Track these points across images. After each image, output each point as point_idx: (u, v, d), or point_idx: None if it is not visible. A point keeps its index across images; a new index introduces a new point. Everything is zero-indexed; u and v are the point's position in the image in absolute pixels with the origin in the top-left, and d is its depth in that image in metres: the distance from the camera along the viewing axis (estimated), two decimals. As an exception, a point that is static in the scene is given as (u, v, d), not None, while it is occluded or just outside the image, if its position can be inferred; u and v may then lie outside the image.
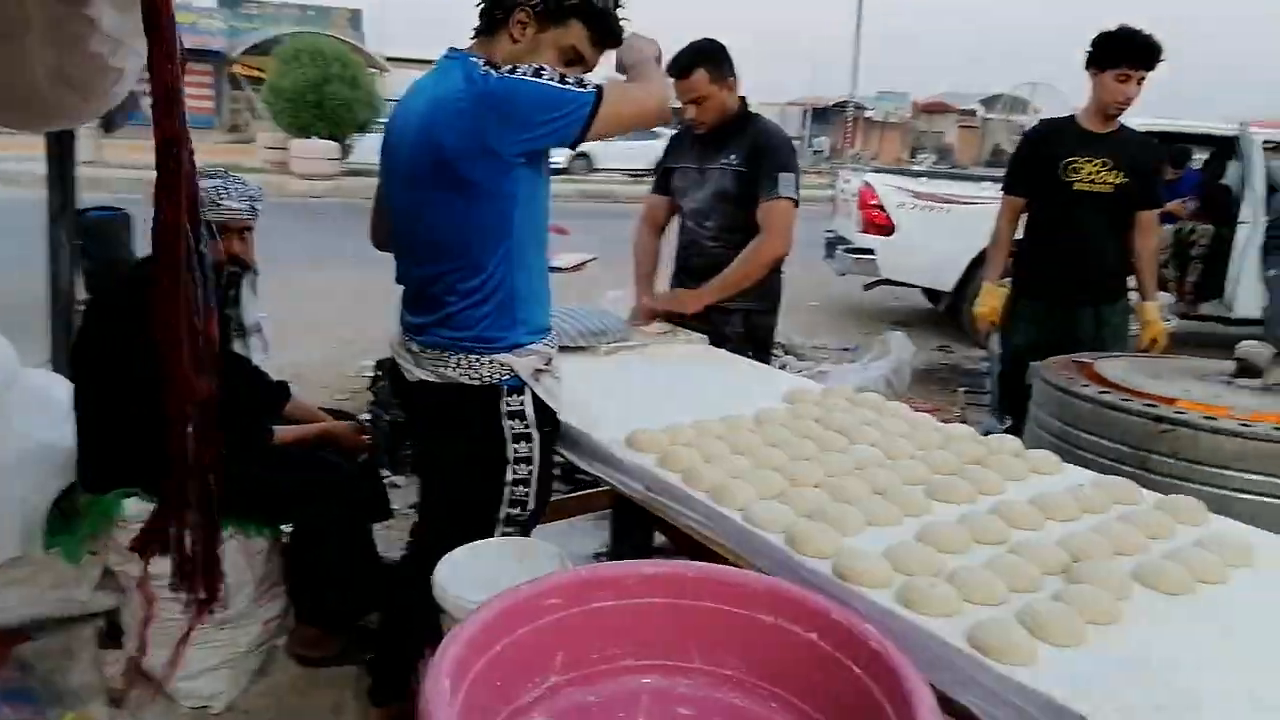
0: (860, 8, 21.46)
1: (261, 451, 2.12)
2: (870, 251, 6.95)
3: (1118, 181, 3.03)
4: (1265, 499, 1.93)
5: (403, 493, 3.42)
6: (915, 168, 7.87)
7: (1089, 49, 3.00)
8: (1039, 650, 1.10)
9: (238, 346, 2.40)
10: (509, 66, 1.55)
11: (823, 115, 40.20)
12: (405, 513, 3.23)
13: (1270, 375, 2.23)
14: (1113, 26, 2.99)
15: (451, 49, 1.68)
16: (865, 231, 6.94)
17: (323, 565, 2.19)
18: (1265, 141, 6.45)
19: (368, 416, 3.75)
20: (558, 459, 1.91)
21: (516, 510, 1.74)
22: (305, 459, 2.18)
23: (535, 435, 1.71)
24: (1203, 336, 7.41)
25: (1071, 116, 3.20)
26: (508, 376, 1.67)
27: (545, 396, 1.72)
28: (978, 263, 6.48)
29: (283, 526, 2.27)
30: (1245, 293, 6.42)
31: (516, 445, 1.70)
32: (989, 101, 35.38)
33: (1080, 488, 1.61)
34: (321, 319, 6.41)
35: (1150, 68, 2.96)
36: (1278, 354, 2.23)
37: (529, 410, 1.70)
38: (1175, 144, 6.90)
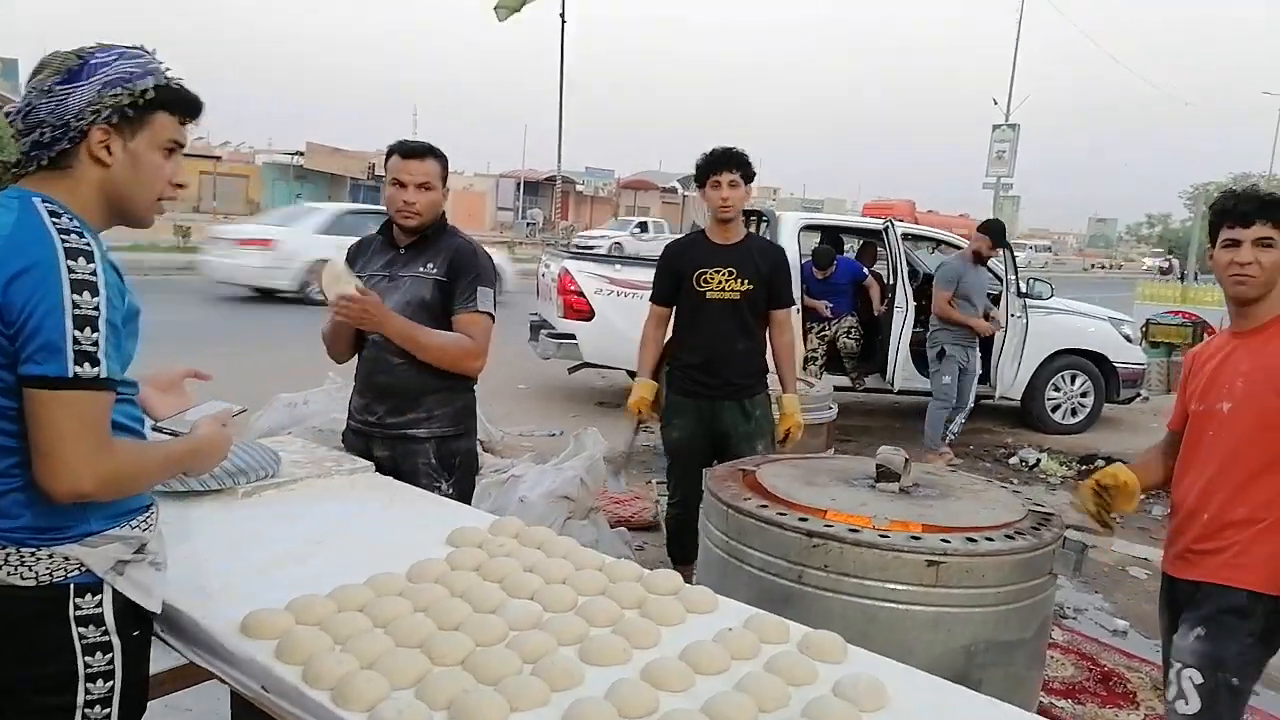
0: (562, 88, 22.37)
1: None
2: (572, 336, 7.06)
3: (744, 288, 3.38)
4: (905, 606, 2.04)
5: None
6: (611, 255, 8.17)
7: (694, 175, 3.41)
8: None
9: None
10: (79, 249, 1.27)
11: (534, 188, 41.30)
12: None
13: (905, 478, 2.42)
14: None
15: (14, 187, 1.35)
16: (566, 316, 7.05)
17: None
18: (904, 234, 7.38)
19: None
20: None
21: None
22: None
23: (116, 643, 1.39)
24: (868, 404, 8.26)
25: (702, 232, 3.55)
26: (76, 573, 1.34)
27: (134, 593, 1.40)
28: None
29: None
30: (902, 368, 7.23)
31: (90, 658, 1.36)
32: (686, 180, 38.40)
33: (729, 632, 1.59)
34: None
35: (739, 169, 3.33)
36: (908, 459, 2.42)
37: (108, 613, 1.37)
38: (820, 245, 7.70)
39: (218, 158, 42.49)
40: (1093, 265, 46.64)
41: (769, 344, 3.54)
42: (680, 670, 1.45)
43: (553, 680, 1.39)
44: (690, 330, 3.47)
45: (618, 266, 7.18)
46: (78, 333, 1.24)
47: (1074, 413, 7.69)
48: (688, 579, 2.00)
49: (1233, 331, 2.16)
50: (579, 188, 42.29)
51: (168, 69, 1.42)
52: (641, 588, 1.77)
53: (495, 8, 9.97)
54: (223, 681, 1.53)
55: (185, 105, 1.44)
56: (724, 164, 3.32)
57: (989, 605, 2.07)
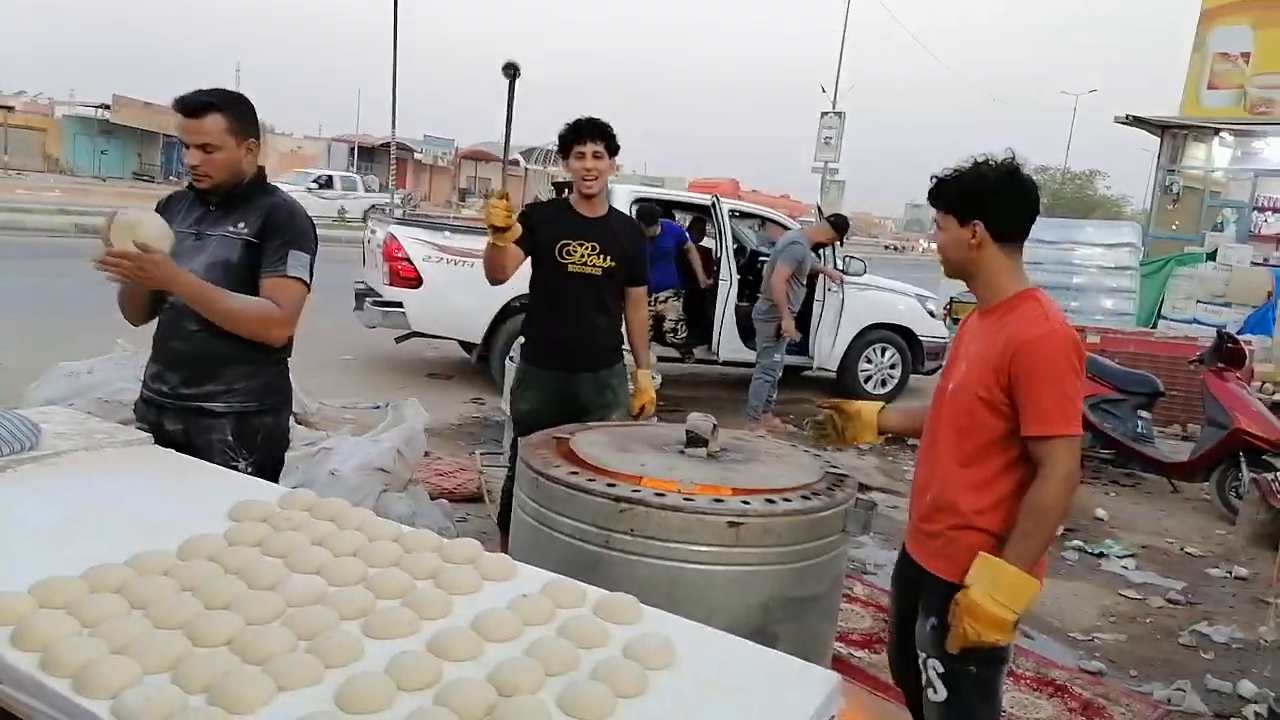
0: (396, 47, 21.42)
1: None
2: (399, 304, 6.83)
3: (605, 265, 3.30)
4: (708, 567, 2.08)
5: None
6: (440, 221, 7.90)
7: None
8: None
9: None
10: None
11: (370, 154, 39.63)
12: None
13: (713, 443, 2.47)
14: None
15: None
16: (393, 284, 6.81)
17: None
18: (731, 210, 7.57)
19: None
20: None
21: None
22: None
23: None
24: (699, 375, 8.46)
25: (567, 200, 3.40)
26: None
27: None
28: (503, 316, 6.71)
29: None
30: (726, 340, 7.43)
31: None
32: (527, 153, 37.87)
33: (524, 599, 1.56)
34: None
35: (599, 140, 3.22)
36: (716, 425, 2.47)
37: None
38: (645, 202, 7.63)
39: (10, 108, 38.28)
40: (887, 247, 49.84)
41: (624, 320, 3.48)
42: (469, 639, 1.42)
43: (328, 656, 1.32)
44: (549, 302, 3.34)
45: (447, 233, 6.98)
46: None
47: (884, 383, 8.17)
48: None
49: (979, 309, 2.14)
50: (417, 156, 40.88)
51: None
52: (438, 558, 1.72)
53: None
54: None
55: None
56: (587, 134, 3.21)
57: (785, 563, 2.14)
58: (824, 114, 25.22)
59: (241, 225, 2.40)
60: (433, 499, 4.02)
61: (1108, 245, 11.37)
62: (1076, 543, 4.96)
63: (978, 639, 1.85)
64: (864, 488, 3.07)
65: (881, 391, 8.11)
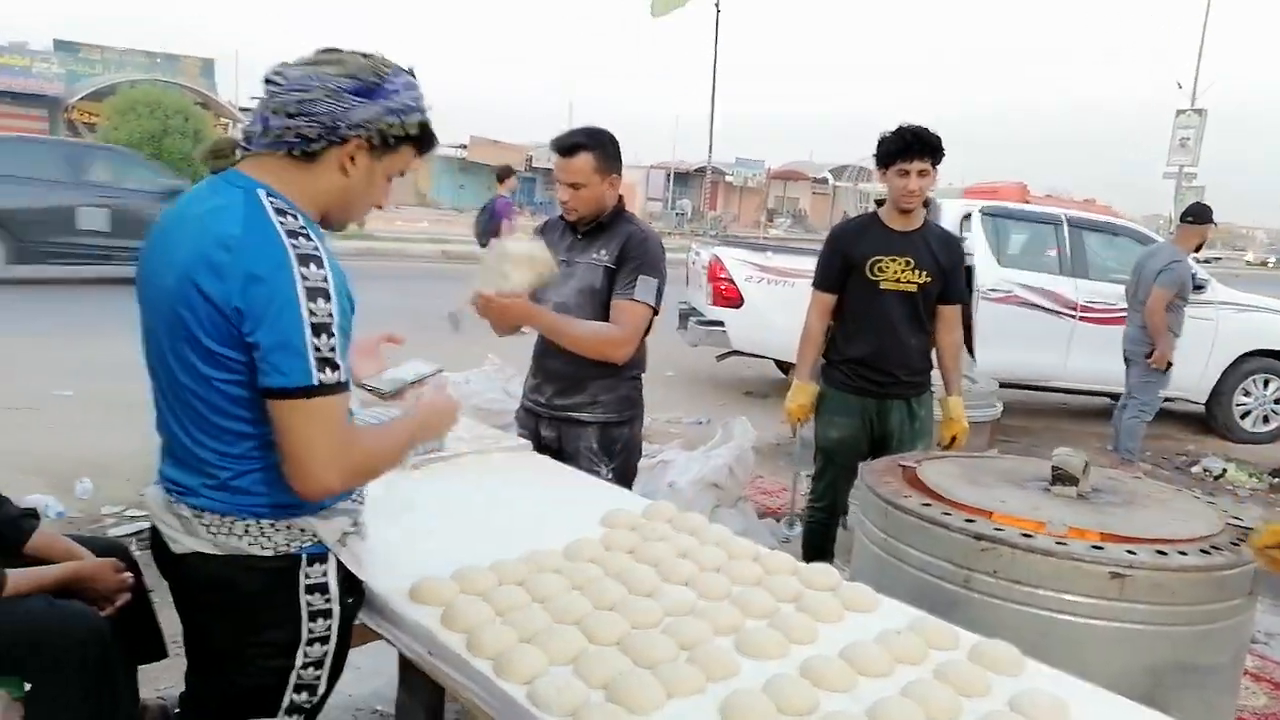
0: (714, 82, 22.28)
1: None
2: (720, 323, 7.00)
3: (922, 280, 3.11)
4: (1084, 620, 1.89)
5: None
6: (762, 241, 7.97)
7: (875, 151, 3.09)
8: None
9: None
10: (301, 246, 1.28)
11: (684, 179, 41.40)
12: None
13: (1084, 482, 2.25)
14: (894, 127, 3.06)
15: (236, 172, 1.37)
16: (715, 304, 6.99)
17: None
18: (1074, 222, 6.91)
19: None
20: None
21: (303, 696, 1.46)
22: (41, 607, 1.85)
23: (336, 610, 1.44)
24: (1033, 403, 7.81)
25: (875, 214, 3.25)
26: (309, 544, 1.41)
27: (351, 564, 1.46)
28: (823, 336, 6.65)
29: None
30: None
31: (313, 624, 1.42)
32: (838, 171, 37.48)
33: (896, 635, 1.51)
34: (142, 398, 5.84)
35: (928, 158, 3.00)
36: (1088, 462, 2.25)
37: (332, 582, 1.43)
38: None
39: (391, 151, 44.63)
40: (1249, 261, 39.91)
41: (935, 341, 3.27)
42: (841, 669, 1.40)
43: (709, 669, 1.37)
44: (860, 322, 3.20)
45: (769, 253, 7.06)
46: (316, 340, 1.25)
47: (1265, 419, 7.00)
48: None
49: None
50: (728, 178, 42.03)
51: (429, 105, 1.44)
52: (798, 581, 1.72)
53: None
54: (390, 643, 1.59)
55: (429, 144, 1.46)
56: (916, 151, 2.98)
57: (1180, 624, 1.89)
58: (1179, 112, 22.35)
59: (603, 252, 2.57)
60: (759, 517, 4.06)
61: None
62: None
63: None
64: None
65: (1263, 429, 6.97)
